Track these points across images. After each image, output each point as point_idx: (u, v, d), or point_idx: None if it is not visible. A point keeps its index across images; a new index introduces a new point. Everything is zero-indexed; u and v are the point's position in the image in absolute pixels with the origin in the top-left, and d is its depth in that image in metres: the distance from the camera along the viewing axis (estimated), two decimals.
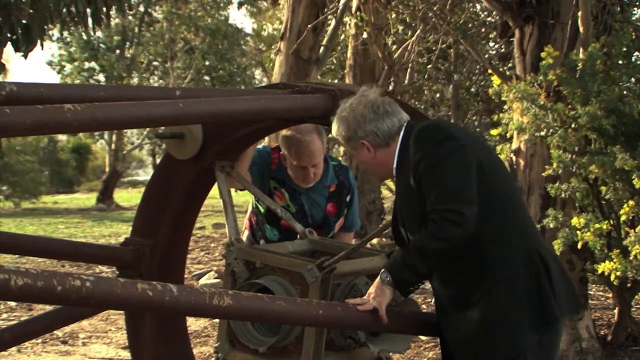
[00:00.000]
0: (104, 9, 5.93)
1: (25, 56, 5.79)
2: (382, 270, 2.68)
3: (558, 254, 5.27)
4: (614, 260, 4.87)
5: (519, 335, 2.59)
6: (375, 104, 2.76)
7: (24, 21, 5.55)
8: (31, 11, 5.52)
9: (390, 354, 3.46)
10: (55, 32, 20.32)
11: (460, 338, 2.67)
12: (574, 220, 5.04)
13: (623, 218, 4.93)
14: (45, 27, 5.86)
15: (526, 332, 2.59)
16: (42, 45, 5.85)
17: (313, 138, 3.73)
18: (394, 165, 2.76)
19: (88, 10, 5.85)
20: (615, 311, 6.10)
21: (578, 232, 5.03)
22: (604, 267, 4.93)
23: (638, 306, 7.14)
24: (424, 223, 2.59)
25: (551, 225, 5.22)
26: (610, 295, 6.48)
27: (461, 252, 2.58)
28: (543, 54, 5.26)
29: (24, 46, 5.64)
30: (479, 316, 2.60)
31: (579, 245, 5.11)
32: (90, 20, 5.96)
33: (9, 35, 5.52)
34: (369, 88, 2.87)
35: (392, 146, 2.75)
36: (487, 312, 2.59)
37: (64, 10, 5.77)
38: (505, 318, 2.59)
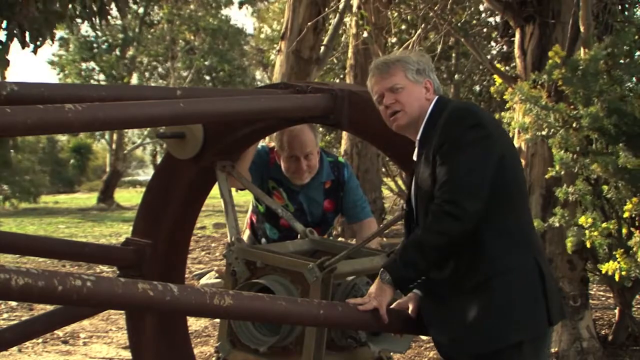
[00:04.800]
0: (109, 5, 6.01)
1: (35, 52, 5.86)
2: (382, 269, 2.66)
3: (570, 252, 5.27)
4: (618, 259, 4.86)
5: (510, 330, 2.55)
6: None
7: (36, 14, 5.60)
8: (37, 9, 5.56)
9: (391, 353, 3.46)
10: (56, 32, 20.32)
11: (447, 326, 2.63)
12: (582, 220, 5.02)
13: (626, 215, 4.91)
14: (54, 24, 5.92)
15: (517, 329, 2.56)
16: (52, 40, 5.93)
17: (304, 128, 3.76)
18: (418, 136, 2.69)
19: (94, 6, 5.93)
20: (616, 311, 6.10)
21: (586, 231, 5.01)
22: (607, 266, 4.92)
23: (639, 306, 7.14)
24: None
25: (557, 224, 5.21)
26: (611, 295, 6.48)
27: (462, 245, 2.54)
28: (550, 53, 5.24)
29: (33, 43, 5.71)
30: (468, 307, 2.56)
31: (588, 245, 5.09)
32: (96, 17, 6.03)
33: (15, 32, 5.57)
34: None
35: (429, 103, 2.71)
36: (477, 305, 2.55)
37: (70, 6, 5.83)
38: (497, 312, 2.54)
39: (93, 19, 6.14)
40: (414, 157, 2.74)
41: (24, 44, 5.75)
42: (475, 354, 2.60)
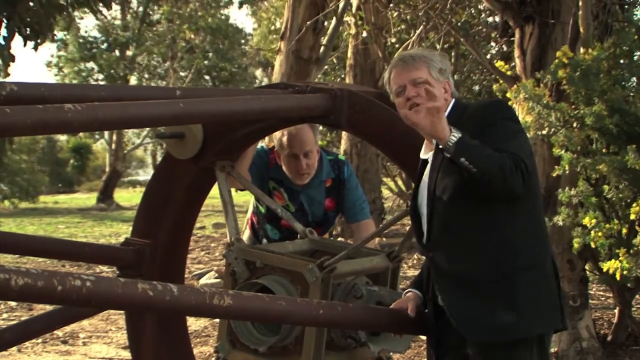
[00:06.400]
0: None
1: (36, 49, 5.87)
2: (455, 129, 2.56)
3: (575, 253, 5.27)
4: (621, 258, 4.85)
5: (527, 324, 2.54)
6: None
7: (28, 18, 5.62)
8: (39, 2, 5.58)
9: (391, 353, 3.46)
10: (56, 32, 20.30)
11: (466, 309, 2.59)
12: (585, 220, 5.01)
13: (632, 217, 4.90)
14: (53, 20, 5.93)
15: (533, 324, 2.56)
16: (52, 38, 5.94)
17: (303, 127, 3.77)
18: None
19: None
20: (616, 311, 6.10)
21: (592, 232, 4.99)
22: (609, 265, 4.91)
23: (638, 306, 7.14)
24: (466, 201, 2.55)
25: (560, 223, 5.20)
26: (611, 295, 6.48)
27: (493, 230, 2.55)
28: (558, 53, 5.22)
29: (34, 39, 5.72)
30: (490, 297, 2.55)
31: (592, 245, 5.08)
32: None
33: (16, 29, 5.59)
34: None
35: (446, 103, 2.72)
36: (501, 296, 2.54)
37: None
38: (519, 305, 2.53)
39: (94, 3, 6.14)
40: (430, 154, 2.71)
41: (26, 40, 5.76)
42: (492, 343, 2.57)
